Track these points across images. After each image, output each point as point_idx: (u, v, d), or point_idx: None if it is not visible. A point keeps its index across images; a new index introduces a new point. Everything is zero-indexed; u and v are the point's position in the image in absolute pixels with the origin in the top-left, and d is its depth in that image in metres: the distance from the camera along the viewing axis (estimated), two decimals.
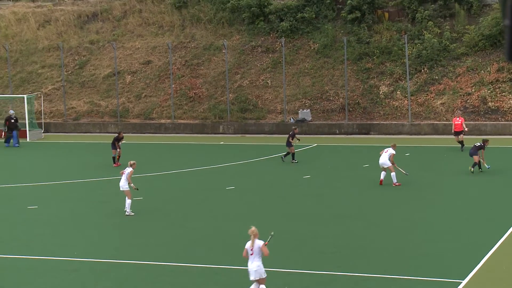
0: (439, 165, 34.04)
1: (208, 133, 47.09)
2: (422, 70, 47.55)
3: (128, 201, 25.11)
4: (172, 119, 48.96)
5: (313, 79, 49.06)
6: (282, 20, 51.29)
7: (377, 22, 49.93)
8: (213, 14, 53.51)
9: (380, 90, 47.37)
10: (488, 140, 32.00)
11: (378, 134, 44.07)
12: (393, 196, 27.36)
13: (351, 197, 27.37)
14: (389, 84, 47.52)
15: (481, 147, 30.89)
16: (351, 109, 46.72)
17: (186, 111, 49.38)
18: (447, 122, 42.67)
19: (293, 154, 34.49)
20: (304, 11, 51.09)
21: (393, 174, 28.59)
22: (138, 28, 54.92)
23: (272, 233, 16.15)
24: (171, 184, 30.60)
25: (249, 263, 15.82)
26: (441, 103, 45.48)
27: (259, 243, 15.64)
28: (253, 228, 15.74)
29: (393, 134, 43.03)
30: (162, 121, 48.93)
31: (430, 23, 48.26)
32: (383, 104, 46.55)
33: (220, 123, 47.64)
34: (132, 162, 25.72)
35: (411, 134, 43.65)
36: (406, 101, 46.13)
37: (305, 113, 46.94)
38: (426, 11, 48.76)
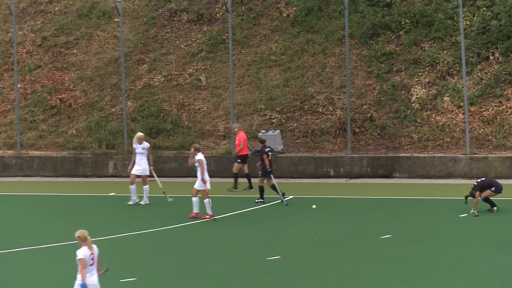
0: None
1: (86, 176, 38.75)
2: (492, 57, 37.11)
3: None
4: (17, 150, 40.32)
5: (286, 74, 39.27)
6: None
7: None
8: None
9: (412, 94, 37.37)
10: None
11: (408, 176, 34.01)
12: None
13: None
14: (429, 83, 37.43)
15: None
16: (357, 129, 37.04)
17: (44, 133, 41.09)
18: None
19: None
20: None
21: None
22: None
23: (108, 269, 16.76)
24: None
25: (88, 276, 15.97)
26: None
27: (96, 249, 16.65)
28: (83, 230, 16.10)
29: (436, 177, 33.68)
30: None
31: None
32: (418, 120, 36.99)
33: (110, 157, 39.30)
34: None
35: (469, 177, 33.61)
36: (461, 115, 36.26)
37: (271, 138, 36.59)
38: None
